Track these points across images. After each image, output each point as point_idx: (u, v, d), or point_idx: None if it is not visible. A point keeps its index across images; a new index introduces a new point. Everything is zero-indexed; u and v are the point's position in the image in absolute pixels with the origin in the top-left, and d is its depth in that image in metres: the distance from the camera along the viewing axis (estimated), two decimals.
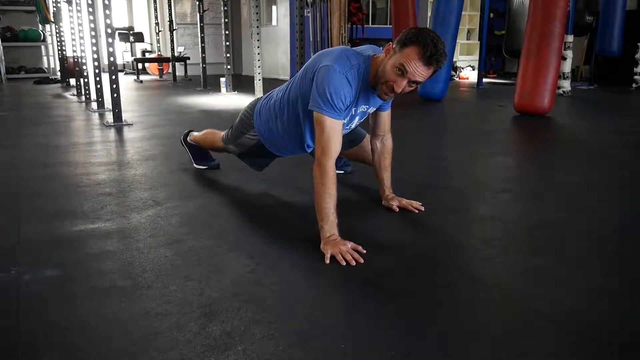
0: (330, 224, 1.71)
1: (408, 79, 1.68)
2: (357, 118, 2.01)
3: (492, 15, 10.62)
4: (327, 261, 1.61)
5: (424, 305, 1.39)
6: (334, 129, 1.75)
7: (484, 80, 8.85)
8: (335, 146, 1.76)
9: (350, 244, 1.67)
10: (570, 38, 6.99)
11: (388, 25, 10.26)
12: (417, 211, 2.08)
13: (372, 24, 10.80)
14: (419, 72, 1.66)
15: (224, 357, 1.13)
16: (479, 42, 9.30)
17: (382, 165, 2.14)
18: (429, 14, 8.01)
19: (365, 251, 1.67)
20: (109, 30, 4.31)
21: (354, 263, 1.59)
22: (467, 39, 11.69)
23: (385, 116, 2.10)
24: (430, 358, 1.14)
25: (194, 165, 2.81)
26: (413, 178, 2.68)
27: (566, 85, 7.05)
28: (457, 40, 7.75)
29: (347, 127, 2.02)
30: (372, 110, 2.03)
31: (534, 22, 4.99)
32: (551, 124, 4.77)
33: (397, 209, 2.10)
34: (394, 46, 1.71)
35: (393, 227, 2.04)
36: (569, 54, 6.96)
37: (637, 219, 2.12)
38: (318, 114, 1.75)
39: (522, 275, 1.56)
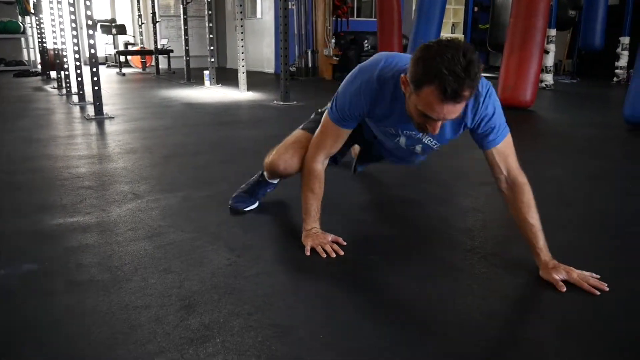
0: (312, 218, 1.71)
1: (439, 120, 1.34)
2: (402, 138, 1.67)
3: (476, 9, 10.68)
4: (308, 253, 1.61)
5: (404, 296, 1.40)
6: (328, 131, 1.66)
7: None
8: (325, 148, 1.68)
9: (331, 237, 1.68)
10: (553, 32, 7.05)
11: (373, 19, 10.25)
12: (597, 292, 1.37)
13: (357, 17, 10.78)
14: (449, 113, 1.29)
15: (203, 349, 1.12)
16: (463, 35, 9.33)
17: (521, 219, 1.51)
18: (414, 7, 8.01)
19: (345, 243, 1.67)
20: (90, 22, 4.25)
21: (334, 255, 1.59)
22: (452, 33, 11.73)
23: (492, 155, 1.53)
24: (410, 347, 1.15)
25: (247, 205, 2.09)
26: (396, 170, 2.69)
27: (549, 78, 7.11)
28: (442, 34, 7.77)
29: (395, 142, 1.72)
30: (432, 142, 1.65)
31: (517, 16, 5.02)
32: (533, 118, 4.81)
33: (564, 288, 1.39)
34: (408, 79, 1.32)
35: (374, 219, 2.05)
36: (551, 47, 7.02)
37: (616, 211, 2.15)
38: (327, 110, 1.68)
39: (502, 267, 1.57)
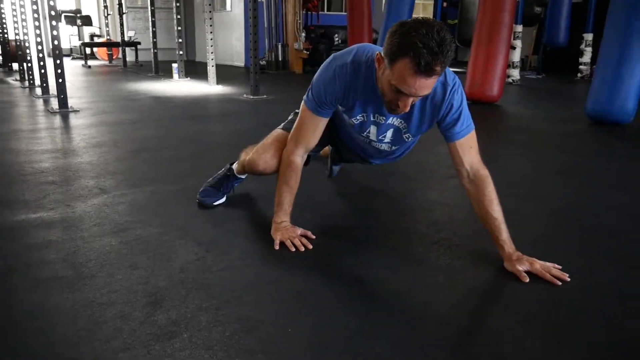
0: (283, 212, 1.70)
1: (411, 96, 1.36)
2: (372, 128, 1.66)
3: (445, 4, 10.79)
4: (277, 247, 1.61)
5: (371, 288, 1.41)
6: (306, 121, 1.65)
7: None
8: (304, 139, 1.67)
9: (300, 231, 1.68)
10: (519, 28, 7.18)
11: (343, 13, 10.27)
12: (559, 283, 1.42)
13: (327, 11, 10.78)
14: (420, 87, 1.31)
15: (169, 345, 1.11)
16: None
17: (484, 213, 1.54)
18: (384, 1, 8.05)
19: (314, 237, 1.67)
20: (53, 13, 4.13)
21: (302, 249, 1.60)
22: None
23: (455, 147, 1.56)
24: (376, 338, 1.16)
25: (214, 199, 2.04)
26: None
27: (515, 74, 7.25)
28: None
29: (364, 135, 1.71)
30: (401, 124, 1.62)
31: (484, 12, 5.09)
32: (500, 112, 4.90)
33: (527, 278, 1.43)
34: (383, 56, 1.36)
35: (343, 212, 2.06)
36: (518, 43, 7.16)
37: (577, 204, 2.21)
38: (303, 100, 1.67)
39: (467, 259, 1.60)
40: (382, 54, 1.36)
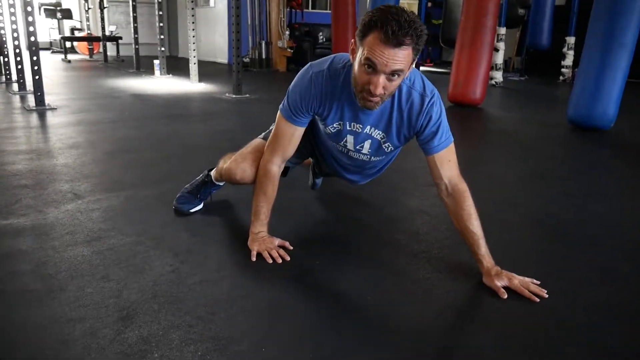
0: (260, 222, 1.67)
1: (382, 72, 1.32)
2: (349, 137, 1.63)
3: (430, 4, 10.80)
4: (253, 259, 1.58)
5: (348, 303, 1.39)
6: (282, 130, 1.62)
7: (421, 68, 9.00)
8: (281, 149, 1.64)
9: (277, 241, 1.65)
10: (502, 30, 7.21)
11: (327, 11, 10.23)
12: (537, 299, 1.41)
13: (311, 8, 10.73)
14: (390, 58, 1.29)
15: None
16: None
17: (462, 227, 1.53)
18: (368, 0, 8.02)
19: (292, 247, 1.65)
20: (29, 9, 4.03)
21: (280, 261, 1.57)
22: None
23: (433, 160, 1.55)
24: (354, 355, 1.14)
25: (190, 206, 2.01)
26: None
27: (498, 76, 7.29)
28: None
29: (341, 145, 1.68)
30: (379, 135, 1.59)
31: (468, 14, 5.10)
32: (482, 115, 4.91)
33: (505, 295, 1.42)
34: (356, 38, 1.36)
35: (321, 221, 2.03)
36: (501, 46, 7.18)
37: (555, 211, 2.21)
38: (279, 109, 1.64)
39: (446, 271, 1.58)
40: (355, 40, 1.37)
